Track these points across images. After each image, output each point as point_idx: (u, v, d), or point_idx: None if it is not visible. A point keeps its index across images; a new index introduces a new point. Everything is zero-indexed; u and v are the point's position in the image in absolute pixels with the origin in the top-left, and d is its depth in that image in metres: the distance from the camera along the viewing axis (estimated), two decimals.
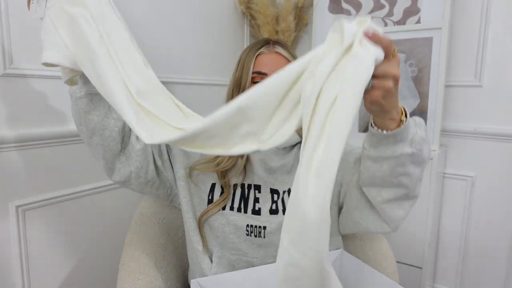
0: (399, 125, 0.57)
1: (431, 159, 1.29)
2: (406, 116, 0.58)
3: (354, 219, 0.78)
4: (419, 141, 0.60)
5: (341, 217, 0.85)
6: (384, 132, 0.58)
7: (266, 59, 0.84)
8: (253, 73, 0.84)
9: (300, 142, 0.91)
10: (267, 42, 0.87)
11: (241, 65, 0.87)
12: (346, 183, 0.81)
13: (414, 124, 0.61)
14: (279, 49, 0.86)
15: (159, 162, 0.86)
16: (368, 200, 0.74)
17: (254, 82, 0.84)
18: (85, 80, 0.68)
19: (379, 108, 0.53)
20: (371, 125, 0.61)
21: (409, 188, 0.66)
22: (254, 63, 0.84)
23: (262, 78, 0.83)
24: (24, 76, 0.96)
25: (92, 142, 0.76)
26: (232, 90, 0.88)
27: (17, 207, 0.97)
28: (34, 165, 1.00)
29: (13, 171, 0.96)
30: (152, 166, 0.84)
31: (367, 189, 0.71)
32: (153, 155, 0.84)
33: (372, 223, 0.75)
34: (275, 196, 0.85)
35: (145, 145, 0.81)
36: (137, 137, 0.80)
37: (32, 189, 1.01)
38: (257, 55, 0.85)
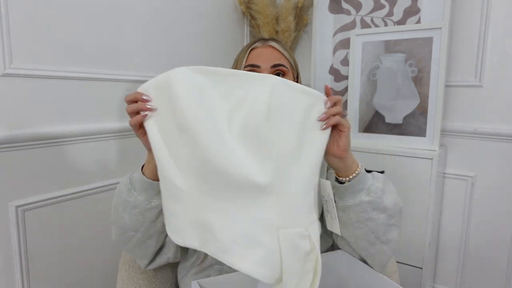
0: (357, 175, 0.68)
1: (431, 159, 1.29)
2: (359, 171, 0.69)
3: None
4: (376, 191, 0.69)
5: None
6: (345, 182, 0.69)
7: (259, 52, 0.83)
8: (245, 66, 0.83)
9: None
10: (261, 39, 0.87)
11: (235, 62, 0.86)
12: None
13: (372, 178, 0.71)
14: (273, 43, 0.85)
15: None
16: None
17: None
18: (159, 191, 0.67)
19: (342, 148, 0.65)
20: (336, 180, 0.71)
21: (377, 233, 0.71)
22: (247, 58, 0.83)
23: (255, 72, 0.82)
24: (24, 76, 0.96)
25: (143, 245, 0.72)
26: None
27: (17, 207, 0.97)
28: (34, 165, 1.00)
29: (13, 171, 0.96)
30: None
31: (345, 235, 0.75)
32: None
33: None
34: None
35: None
36: None
37: (32, 189, 1.01)
38: (251, 50, 0.84)
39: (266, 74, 0.62)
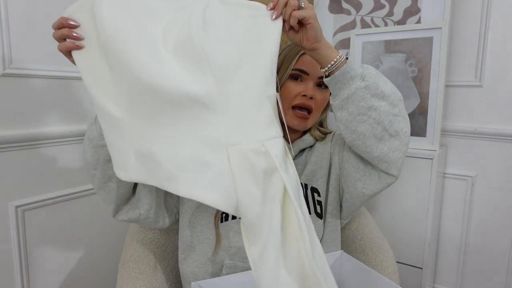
0: (339, 62, 0.65)
1: (431, 159, 1.29)
2: (339, 56, 0.66)
3: (359, 191, 0.78)
4: (370, 75, 0.65)
5: (345, 200, 0.85)
6: (329, 73, 0.66)
7: (310, 59, 0.80)
8: (293, 69, 0.81)
9: (309, 147, 0.90)
10: None
11: (281, 59, 0.84)
12: (341, 160, 0.82)
13: (361, 66, 0.67)
14: None
15: (168, 196, 0.83)
16: (362, 160, 0.75)
17: (293, 77, 0.82)
18: None
19: (309, 33, 0.62)
20: (325, 77, 0.68)
21: (383, 123, 0.67)
22: (296, 61, 0.82)
23: (301, 77, 0.82)
24: (24, 76, 0.96)
25: (105, 187, 0.72)
26: None
27: (17, 207, 0.97)
28: (34, 165, 1.00)
29: (13, 171, 0.96)
30: (161, 204, 0.81)
31: (351, 139, 0.71)
32: (161, 192, 0.80)
33: (374, 183, 0.75)
34: None
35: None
36: None
37: (32, 189, 1.01)
38: (301, 54, 0.82)
39: None
